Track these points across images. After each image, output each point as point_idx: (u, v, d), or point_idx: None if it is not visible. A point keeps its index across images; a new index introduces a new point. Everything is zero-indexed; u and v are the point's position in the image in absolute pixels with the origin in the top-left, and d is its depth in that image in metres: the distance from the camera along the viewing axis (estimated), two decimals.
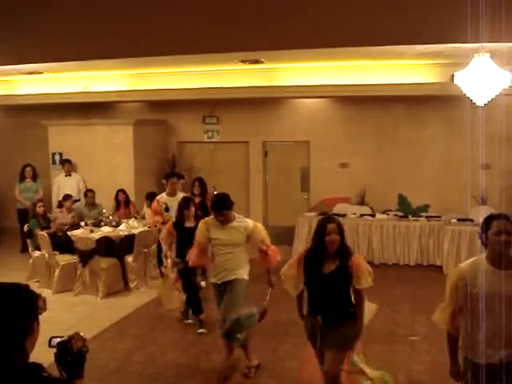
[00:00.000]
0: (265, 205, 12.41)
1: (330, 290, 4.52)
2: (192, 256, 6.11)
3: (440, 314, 3.94)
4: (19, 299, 2.20)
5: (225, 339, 5.79)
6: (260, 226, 5.98)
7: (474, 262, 3.80)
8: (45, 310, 2.49)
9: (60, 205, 10.33)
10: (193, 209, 7.21)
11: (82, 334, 2.38)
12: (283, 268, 4.80)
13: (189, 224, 7.07)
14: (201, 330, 7.08)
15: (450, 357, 3.93)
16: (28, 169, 11.75)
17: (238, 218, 5.89)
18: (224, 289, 5.83)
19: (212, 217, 5.99)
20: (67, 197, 10.36)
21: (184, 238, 6.91)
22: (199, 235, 5.97)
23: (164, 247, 7.68)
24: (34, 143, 12.99)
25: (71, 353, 2.29)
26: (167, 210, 8.32)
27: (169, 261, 7.31)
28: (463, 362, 3.90)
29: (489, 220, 3.74)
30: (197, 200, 8.98)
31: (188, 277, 7.05)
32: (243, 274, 5.85)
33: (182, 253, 6.90)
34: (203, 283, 7.15)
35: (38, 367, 2.15)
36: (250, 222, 5.91)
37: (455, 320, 3.82)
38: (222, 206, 5.76)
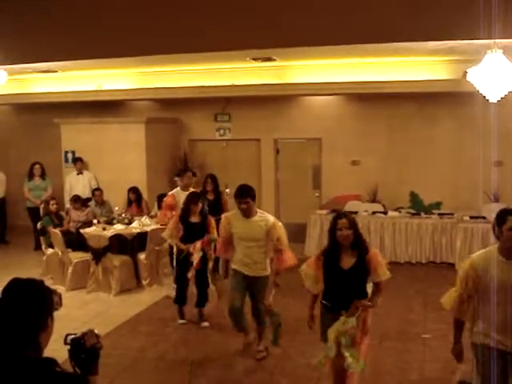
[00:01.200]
0: (276, 202, 12.40)
1: (350, 285, 4.56)
2: (218, 247, 6.28)
3: (448, 298, 4.09)
4: (33, 295, 2.23)
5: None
6: (280, 224, 6.02)
7: (487, 252, 3.90)
8: (61, 305, 2.52)
9: (73, 200, 10.37)
10: (200, 204, 7.15)
11: (96, 330, 2.40)
12: (302, 266, 4.84)
13: (194, 219, 7.07)
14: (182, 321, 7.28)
15: (454, 337, 4.11)
16: (36, 166, 11.83)
17: (259, 212, 5.95)
18: (253, 282, 5.93)
19: (232, 212, 6.08)
20: (77, 198, 10.37)
21: (188, 232, 6.95)
22: (222, 230, 6.08)
23: (172, 243, 7.51)
24: (47, 141, 13.07)
25: (84, 349, 2.31)
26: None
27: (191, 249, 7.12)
28: (472, 349, 3.99)
29: (503, 215, 3.81)
30: (211, 197, 9.03)
31: (183, 270, 7.06)
32: (267, 269, 5.96)
33: (185, 259, 6.97)
34: (190, 274, 7.08)
35: (52, 362, 2.18)
36: (271, 218, 5.96)
37: (462, 305, 3.94)
38: (247, 193, 5.80)
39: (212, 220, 7.25)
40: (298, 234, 11.31)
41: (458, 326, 4.08)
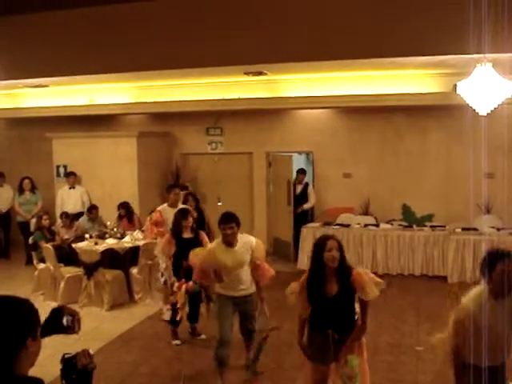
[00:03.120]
0: (268, 216, 12.41)
1: (336, 310, 4.51)
2: (195, 272, 6.08)
3: (443, 346, 4.08)
4: (10, 314, 2.16)
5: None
6: (260, 242, 5.96)
7: (477, 296, 3.87)
8: (74, 329, 2.49)
9: (61, 216, 10.34)
10: (190, 219, 7.05)
11: (90, 351, 2.37)
12: (287, 289, 4.72)
13: (187, 235, 6.98)
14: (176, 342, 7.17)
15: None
16: (26, 181, 11.85)
17: (240, 237, 5.80)
18: (241, 301, 5.87)
19: (215, 244, 5.93)
20: (66, 215, 10.34)
21: (182, 249, 6.80)
22: (203, 261, 5.89)
23: (161, 260, 7.40)
24: (39, 156, 13.07)
25: (76, 369, 2.28)
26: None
27: (164, 278, 7.18)
28: (462, 369, 3.97)
29: (492, 260, 3.79)
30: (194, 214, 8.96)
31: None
32: (253, 286, 5.91)
33: (179, 265, 6.83)
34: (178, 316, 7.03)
35: (37, 382, 2.14)
36: (252, 239, 5.87)
37: (460, 352, 3.90)
38: (231, 219, 5.69)
39: (204, 235, 7.17)
40: (289, 247, 11.40)
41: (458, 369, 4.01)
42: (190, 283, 6.70)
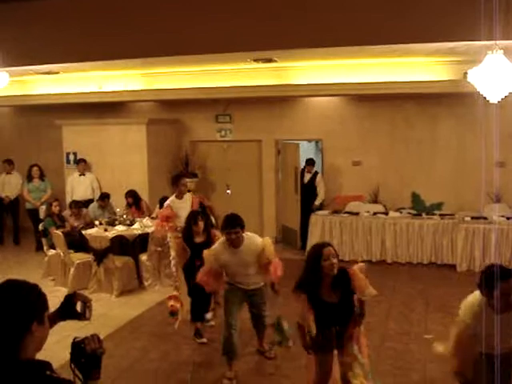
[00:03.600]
0: (277, 204, 12.40)
1: (339, 314, 4.46)
2: (199, 275, 5.95)
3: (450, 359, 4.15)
4: (17, 297, 2.19)
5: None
6: (268, 241, 5.87)
7: (476, 306, 3.88)
8: (86, 316, 2.56)
9: (70, 206, 10.35)
10: (201, 223, 6.81)
11: (100, 335, 2.37)
12: (298, 320, 4.63)
13: (199, 239, 6.78)
14: (202, 340, 6.93)
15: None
16: (35, 169, 11.89)
17: (246, 237, 5.74)
18: (251, 293, 5.87)
19: (217, 246, 5.85)
20: (75, 203, 10.29)
21: (195, 253, 6.62)
22: (206, 263, 5.84)
23: (173, 255, 7.47)
24: (49, 143, 13.12)
25: (84, 354, 2.29)
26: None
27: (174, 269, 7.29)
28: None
29: (491, 280, 3.74)
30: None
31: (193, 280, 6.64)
32: (261, 279, 5.89)
33: (192, 268, 6.61)
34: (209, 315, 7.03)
35: (43, 365, 2.16)
36: (258, 240, 5.79)
37: (465, 365, 3.98)
38: (236, 223, 5.62)
39: (218, 235, 6.70)
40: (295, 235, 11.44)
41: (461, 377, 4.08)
42: (175, 306, 6.84)
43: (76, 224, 9.88)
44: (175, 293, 7.03)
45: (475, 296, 3.91)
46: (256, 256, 5.70)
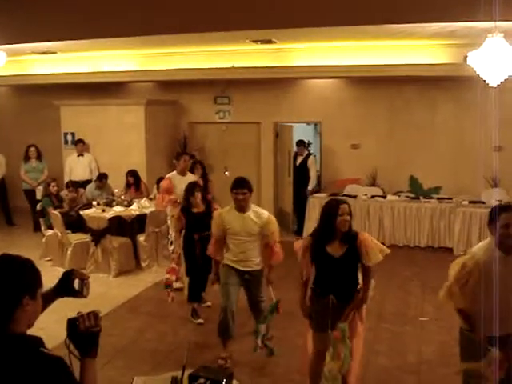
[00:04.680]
0: (275, 186, 12.40)
1: (340, 272, 4.55)
2: (210, 246, 6.02)
3: (449, 296, 4.07)
4: (8, 270, 2.19)
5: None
6: (274, 219, 5.86)
7: (487, 247, 3.88)
8: (83, 293, 2.58)
9: (67, 185, 10.27)
10: (199, 194, 6.92)
11: (99, 313, 2.36)
12: (295, 244, 4.78)
13: (197, 209, 6.89)
14: (199, 321, 6.97)
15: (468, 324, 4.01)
16: (32, 149, 11.82)
17: (253, 207, 5.78)
18: (248, 277, 5.82)
19: (225, 208, 5.90)
20: (72, 184, 10.11)
21: (192, 224, 6.80)
22: (214, 228, 5.88)
23: (172, 232, 7.57)
24: (46, 123, 13.06)
25: (78, 331, 2.29)
26: None
27: (173, 247, 7.25)
28: (463, 337, 4.04)
29: (498, 211, 3.81)
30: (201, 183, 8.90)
31: (192, 260, 6.86)
32: (260, 263, 5.86)
33: (191, 239, 6.79)
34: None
35: (34, 341, 2.16)
36: (265, 214, 5.79)
37: (464, 297, 3.93)
38: (244, 184, 5.68)
39: (217, 206, 6.95)
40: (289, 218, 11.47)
41: (463, 314, 4.05)
42: (171, 278, 6.81)
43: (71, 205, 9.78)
44: (173, 265, 7.02)
45: (488, 239, 3.92)
46: (260, 227, 5.69)
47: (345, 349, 4.50)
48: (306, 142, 12.19)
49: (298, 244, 4.77)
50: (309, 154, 11.76)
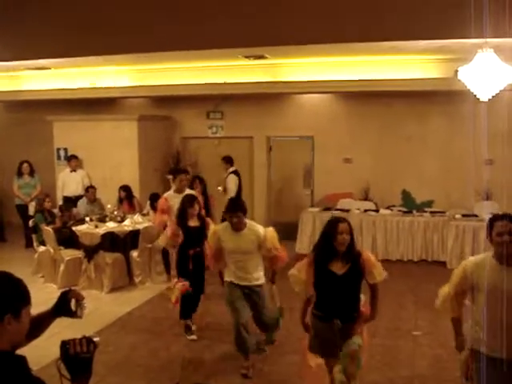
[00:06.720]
0: (268, 200, 12.41)
1: (343, 291, 4.49)
2: (208, 258, 6.12)
3: (444, 303, 4.12)
4: None
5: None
6: (271, 232, 5.84)
7: (483, 258, 3.94)
8: (77, 314, 2.57)
9: (60, 209, 10.20)
10: (197, 207, 6.78)
11: (95, 339, 2.31)
12: (291, 270, 4.72)
13: (193, 223, 6.75)
14: (192, 337, 6.86)
15: (456, 331, 4.13)
16: (25, 165, 11.82)
17: (249, 225, 5.79)
18: (249, 292, 5.82)
19: (222, 225, 5.95)
20: (66, 199, 10.05)
21: (188, 238, 6.65)
22: (211, 243, 5.98)
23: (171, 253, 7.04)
24: (39, 139, 13.04)
25: (67, 356, 2.26)
26: None
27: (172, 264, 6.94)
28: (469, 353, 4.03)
29: (492, 221, 3.89)
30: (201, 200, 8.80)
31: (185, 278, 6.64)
32: (262, 278, 5.87)
33: (185, 255, 6.65)
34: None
35: (17, 359, 2.12)
36: (261, 231, 5.78)
37: (459, 306, 4.01)
38: (238, 208, 5.71)
39: (211, 223, 6.89)
40: (289, 231, 11.40)
41: (458, 323, 4.13)
42: (186, 283, 6.50)
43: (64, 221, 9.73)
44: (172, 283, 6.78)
45: (488, 252, 3.97)
46: (257, 245, 5.72)
47: (356, 368, 4.48)
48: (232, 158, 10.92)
49: (300, 264, 4.69)
50: (232, 172, 10.68)
